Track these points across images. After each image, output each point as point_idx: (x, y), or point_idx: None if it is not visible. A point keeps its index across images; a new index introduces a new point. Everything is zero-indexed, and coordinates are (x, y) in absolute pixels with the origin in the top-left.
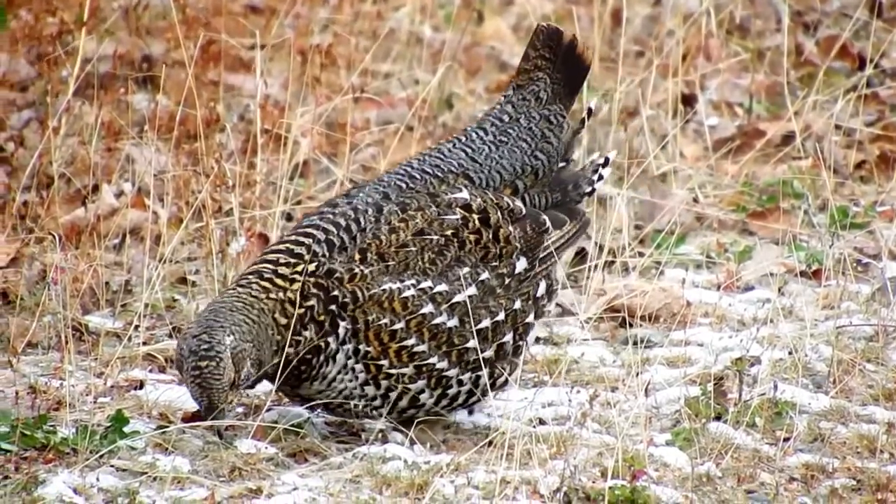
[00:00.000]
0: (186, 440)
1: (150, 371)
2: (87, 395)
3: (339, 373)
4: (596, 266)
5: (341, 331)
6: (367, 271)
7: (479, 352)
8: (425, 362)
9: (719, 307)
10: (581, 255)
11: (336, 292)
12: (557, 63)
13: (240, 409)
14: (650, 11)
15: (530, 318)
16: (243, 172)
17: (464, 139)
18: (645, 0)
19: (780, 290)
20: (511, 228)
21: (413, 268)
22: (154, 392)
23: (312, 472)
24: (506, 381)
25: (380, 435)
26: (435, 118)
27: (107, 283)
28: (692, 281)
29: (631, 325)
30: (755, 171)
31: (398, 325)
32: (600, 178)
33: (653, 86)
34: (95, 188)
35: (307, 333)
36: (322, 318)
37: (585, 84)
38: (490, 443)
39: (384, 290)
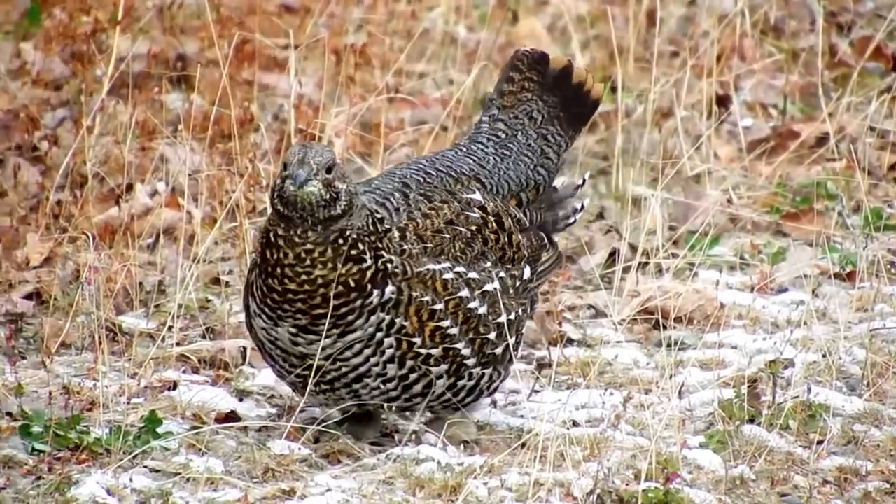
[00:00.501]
0: (220, 441)
1: (184, 372)
2: (120, 395)
3: (362, 343)
4: (629, 267)
5: (388, 292)
6: (414, 250)
7: (494, 346)
8: (453, 346)
9: (753, 309)
10: (612, 257)
11: (392, 257)
12: (548, 86)
13: (273, 410)
14: (685, 12)
15: (524, 329)
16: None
17: (465, 149)
18: (680, 0)
19: (813, 291)
20: (520, 236)
21: (447, 253)
22: (187, 393)
23: (346, 473)
24: (497, 387)
25: (413, 436)
26: (469, 118)
27: (140, 283)
28: (726, 283)
29: (665, 327)
30: (789, 172)
31: (438, 306)
32: (582, 207)
33: (687, 86)
34: (129, 187)
35: (367, 258)
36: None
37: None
38: (523, 444)
39: (427, 270)
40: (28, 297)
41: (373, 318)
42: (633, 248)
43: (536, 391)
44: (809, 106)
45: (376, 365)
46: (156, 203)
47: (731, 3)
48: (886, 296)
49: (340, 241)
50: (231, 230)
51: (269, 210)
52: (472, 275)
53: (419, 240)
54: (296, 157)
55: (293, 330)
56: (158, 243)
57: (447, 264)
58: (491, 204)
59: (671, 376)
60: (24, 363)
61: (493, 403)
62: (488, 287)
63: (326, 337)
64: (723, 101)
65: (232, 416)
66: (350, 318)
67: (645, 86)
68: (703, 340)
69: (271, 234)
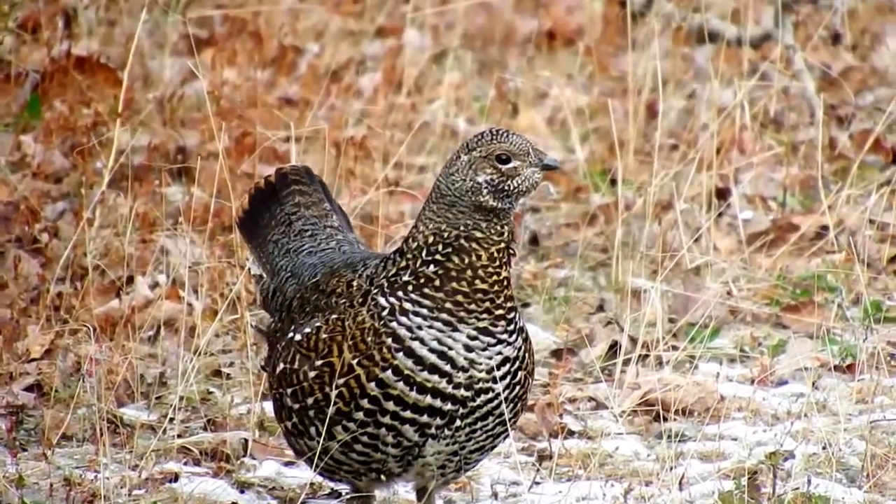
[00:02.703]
0: None
1: (185, 463)
2: (121, 487)
3: (510, 364)
4: (630, 360)
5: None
6: None
7: None
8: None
9: (753, 401)
10: (613, 349)
11: None
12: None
13: (274, 502)
14: (685, 104)
15: None
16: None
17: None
18: (680, 93)
19: (813, 384)
20: None
21: None
22: (189, 485)
23: None
24: None
25: None
26: None
27: (141, 375)
28: (726, 375)
29: (665, 419)
30: (789, 264)
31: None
32: None
33: (688, 179)
34: (130, 280)
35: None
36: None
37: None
38: None
39: None
40: (29, 388)
41: (520, 339)
42: (634, 341)
43: (537, 483)
44: (809, 198)
45: (502, 402)
46: (156, 295)
47: (730, 96)
48: (886, 388)
49: (511, 244)
50: (232, 322)
51: (457, 219)
52: None
53: None
54: (526, 144)
55: (472, 332)
56: (159, 335)
57: None
58: None
59: (672, 468)
60: (26, 455)
61: (495, 495)
62: None
63: (499, 342)
64: (722, 194)
65: None
66: (512, 326)
67: (645, 178)
68: (704, 432)
69: (463, 240)
